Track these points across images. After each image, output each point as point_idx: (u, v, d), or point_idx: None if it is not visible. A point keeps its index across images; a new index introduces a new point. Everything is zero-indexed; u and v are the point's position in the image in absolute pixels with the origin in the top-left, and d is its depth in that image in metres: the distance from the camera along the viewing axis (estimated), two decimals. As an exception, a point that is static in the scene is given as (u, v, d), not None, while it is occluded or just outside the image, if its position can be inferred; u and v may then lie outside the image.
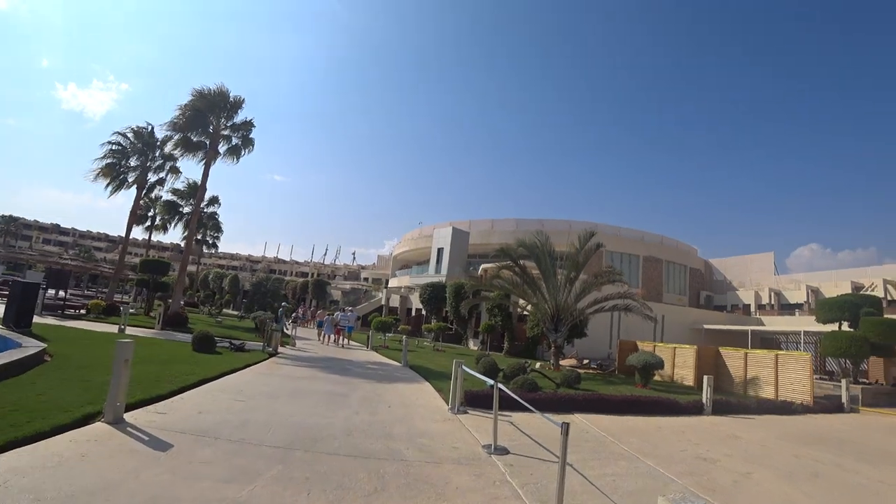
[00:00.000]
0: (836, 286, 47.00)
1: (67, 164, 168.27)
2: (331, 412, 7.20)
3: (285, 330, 19.95)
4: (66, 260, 34.51)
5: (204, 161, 21.47)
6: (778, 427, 10.56)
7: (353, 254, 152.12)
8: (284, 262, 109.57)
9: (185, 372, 8.78)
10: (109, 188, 23.06)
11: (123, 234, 27.36)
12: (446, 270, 44.36)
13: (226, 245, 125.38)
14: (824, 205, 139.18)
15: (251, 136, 22.80)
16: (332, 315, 22.45)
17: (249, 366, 11.09)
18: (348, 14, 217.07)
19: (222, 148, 22.41)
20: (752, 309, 50.61)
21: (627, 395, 11.11)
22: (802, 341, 31.99)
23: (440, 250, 47.57)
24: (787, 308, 48.90)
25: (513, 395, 6.83)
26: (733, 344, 27.57)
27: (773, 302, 50.78)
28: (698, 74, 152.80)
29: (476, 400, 9.04)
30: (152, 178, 24.34)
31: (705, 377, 11.67)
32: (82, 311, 20.57)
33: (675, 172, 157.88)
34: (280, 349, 15.70)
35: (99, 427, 5.07)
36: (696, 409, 11.31)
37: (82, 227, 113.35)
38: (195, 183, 30.70)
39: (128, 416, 5.56)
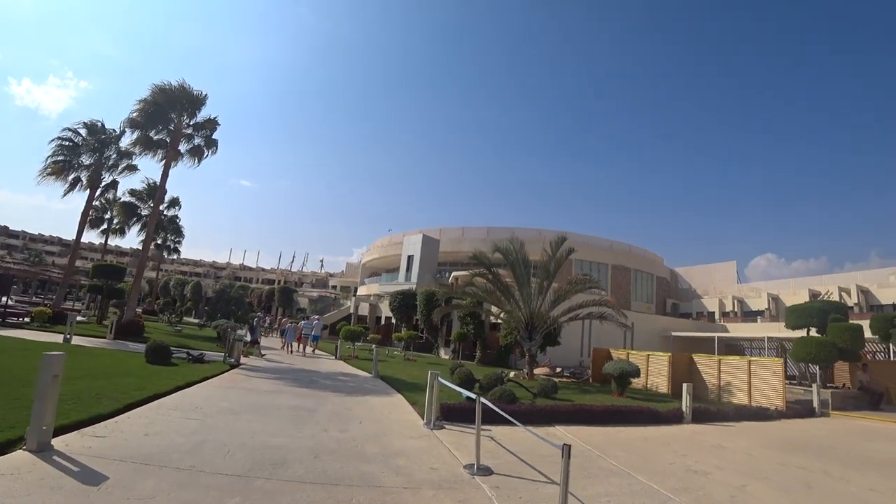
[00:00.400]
0: (794, 294, 48.73)
1: (20, 163, 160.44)
2: (297, 430, 6.54)
3: (259, 341, 18.95)
4: (8, 264, 32.25)
5: (164, 160, 20.36)
6: (758, 434, 10.40)
7: (321, 261, 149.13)
8: (250, 269, 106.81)
9: (134, 386, 7.96)
10: (61, 187, 21.62)
11: (85, 241, 25.53)
12: (416, 278, 43.77)
13: (191, 251, 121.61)
14: (778, 216, 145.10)
15: (214, 136, 21.85)
16: (296, 323, 21.47)
17: (208, 378, 10.27)
18: (314, 17, 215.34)
19: (184, 148, 21.34)
20: (717, 316, 51.90)
21: (608, 405, 10.77)
22: (766, 347, 32.74)
23: (410, 258, 46.97)
24: (749, 315, 50.33)
25: (494, 407, 6.32)
26: (700, 350, 27.86)
27: (736, 309, 52.23)
28: (661, 81, 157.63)
29: (453, 413, 8.52)
30: (107, 177, 22.94)
31: (685, 385, 11.47)
32: (26, 320, 19.07)
33: (640, 182, 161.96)
34: (244, 360, 14.83)
35: (19, 457, 4.30)
36: (676, 418, 11.07)
37: (34, 230, 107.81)
38: (155, 184, 29.31)
39: (59, 442, 4.80)
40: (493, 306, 20.44)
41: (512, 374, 18.87)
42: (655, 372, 18.25)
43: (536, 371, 23.04)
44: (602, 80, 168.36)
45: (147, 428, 5.78)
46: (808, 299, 46.20)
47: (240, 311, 23.68)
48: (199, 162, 21.69)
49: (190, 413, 6.83)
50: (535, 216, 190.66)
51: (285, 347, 21.12)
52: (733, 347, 37.44)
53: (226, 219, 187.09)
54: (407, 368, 17.84)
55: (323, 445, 5.93)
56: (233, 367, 12.86)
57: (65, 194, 21.85)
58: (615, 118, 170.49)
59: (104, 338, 16.56)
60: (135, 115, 19.17)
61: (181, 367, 11.48)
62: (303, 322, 21.82)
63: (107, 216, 34.58)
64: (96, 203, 34.68)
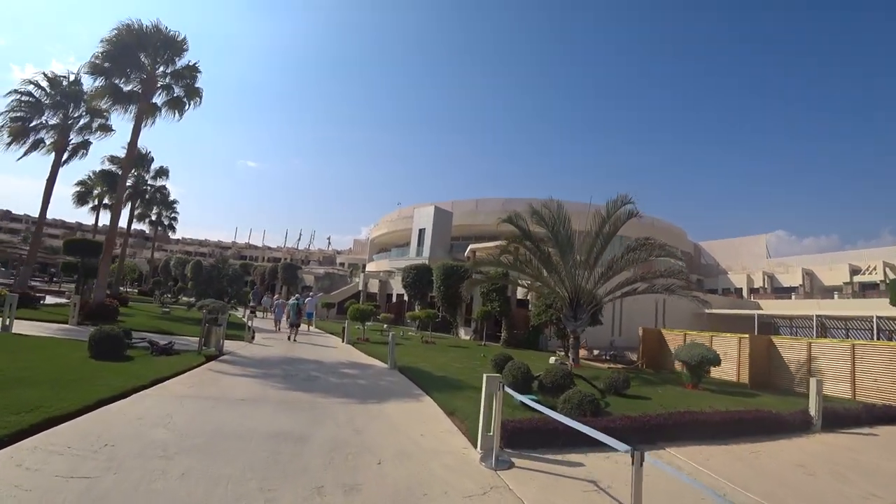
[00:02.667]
0: (830, 269, 45.69)
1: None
2: (268, 495, 3.62)
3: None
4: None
5: (138, 114, 17.31)
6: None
7: (328, 239, 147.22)
8: (256, 247, 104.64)
9: (30, 403, 5.09)
10: (20, 150, 18.65)
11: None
12: (428, 253, 40.94)
13: (197, 233, 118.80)
14: (787, 192, 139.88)
15: (197, 85, 18.70)
16: (285, 299, 19.12)
17: (166, 379, 7.41)
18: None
19: (161, 100, 18.30)
20: (744, 292, 48.97)
21: (722, 411, 7.82)
22: (815, 325, 29.93)
23: (421, 231, 44.16)
24: (780, 291, 47.46)
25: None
26: (735, 329, 25.00)
27: (766, 285, 49.25)
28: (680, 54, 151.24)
29: (520, 437, 5.60)
30: (76, 138, 19.84)
31: (813, 381, 8.47)
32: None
33: (656, 154, 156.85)
34: (230, 347, 12.03)
35: None
36: (803, 425, 8.14)
37: (36, 214, 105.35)
38: (141, 152, 26.35)
39: None
40: (523, 280, 17.45)
41: (552, 359, 16.04)
42: (721, 356, 15.30)
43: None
44: (623, 50, 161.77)
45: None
46: (847, 275, 43.23)
47: (235, 289, 20.78)
48: (181, 115, 18.64)
49: (87, 458, 3.92)
50: (553, 189, 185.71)
51: (276, 327, 19.56)
52: (768, 326, 34.54)
53: (232, 200, 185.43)
54: (428, 354, 14.98)
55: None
56: (210, 359, 10.01)
57: (21, 157, 18.86)
58: (633, 88, 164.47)
59: (66, 323, 13.82)
60: (97, 58, 16.03)
61: (137, 361, 8.64)
62: (292, 299, 19.40)
63: (96, 192, 31.66)
64: (84, 177, 31.94)
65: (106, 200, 31.66)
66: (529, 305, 23.44)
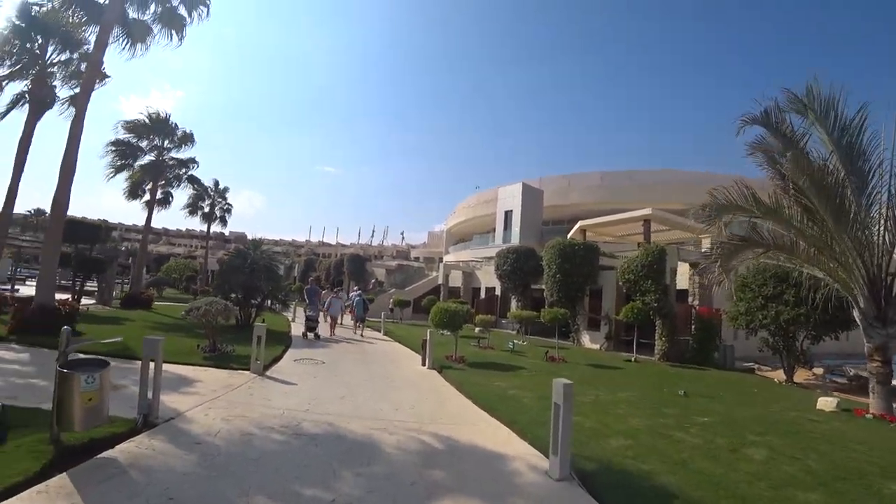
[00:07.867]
0: None
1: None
2: None
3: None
4: None
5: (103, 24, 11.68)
6: None
7: (402, 233, 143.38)
8: (329, 245, 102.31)
9: None
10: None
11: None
12: (517, 239, 33.73)
13: (275, 235, 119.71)
14: None
15: (201, -9, 12.89)
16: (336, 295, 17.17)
17: None
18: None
19: (151, 14, 12.69)
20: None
21: None
22: None
23: (508, 214, 37.24)
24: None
25: None
26: None
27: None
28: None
29: None
30: (66, 90, 14.73)
31: None
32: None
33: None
34: (212, 388, 5.74)
35: None
36: None
37: (128, 223, 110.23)
38: (160, 115, 21.36)
39: None
40: (784, 246, 9.84)
41: (825, 401, 8.44)
42: None
43: (799, 377, 12.47)
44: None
45: None
46: None
47: (271, 285, 14.88)
48: (181, 36, 13.05)
49: None
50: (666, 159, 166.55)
51: (332, 329, 15.62)
52: None
53: (309, 204, 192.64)
54: (593, 399, 7.87)
55: None
56: (75, 459, 3.62)
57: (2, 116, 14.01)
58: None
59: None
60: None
61: None
62: (354, 294, 18.24)
63: (147, 186, 27.19)
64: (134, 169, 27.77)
65: (159, 194, 27.32)
66: (691, 299, 15.63)
